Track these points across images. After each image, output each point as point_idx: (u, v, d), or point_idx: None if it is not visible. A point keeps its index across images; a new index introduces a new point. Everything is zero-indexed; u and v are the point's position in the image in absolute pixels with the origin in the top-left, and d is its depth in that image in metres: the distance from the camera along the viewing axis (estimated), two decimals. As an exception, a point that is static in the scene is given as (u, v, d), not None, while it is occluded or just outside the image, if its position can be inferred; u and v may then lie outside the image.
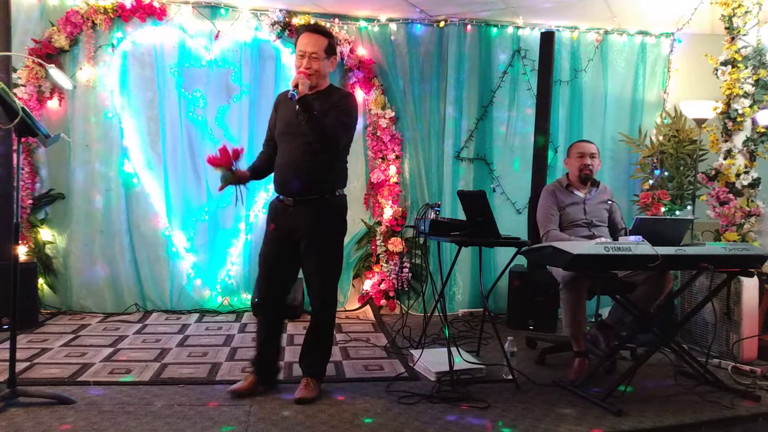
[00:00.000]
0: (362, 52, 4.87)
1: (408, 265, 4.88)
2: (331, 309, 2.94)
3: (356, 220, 5.01)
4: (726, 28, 4.04)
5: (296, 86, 2.55)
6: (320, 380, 2.93)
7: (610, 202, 3.60)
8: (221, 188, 2.81)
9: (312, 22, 4.74)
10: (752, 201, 3.94)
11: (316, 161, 2.72)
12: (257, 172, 2.94)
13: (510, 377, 3.13)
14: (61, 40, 4.43)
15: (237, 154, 2.73)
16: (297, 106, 2.59)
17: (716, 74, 4.09)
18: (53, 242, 4.58)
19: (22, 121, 2.59)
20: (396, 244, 4.85)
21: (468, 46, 4.98)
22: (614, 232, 3.62)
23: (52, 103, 4.54)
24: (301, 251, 2.82)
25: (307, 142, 2.69)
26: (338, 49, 4.70)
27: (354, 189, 5.01)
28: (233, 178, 2.76)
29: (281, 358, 3.16)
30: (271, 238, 2.88)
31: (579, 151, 3.57)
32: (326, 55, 2.73)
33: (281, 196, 2.83)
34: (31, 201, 4.44)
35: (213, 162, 2.71)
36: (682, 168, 4.73)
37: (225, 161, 2.71)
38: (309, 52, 2.68)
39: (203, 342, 3.84)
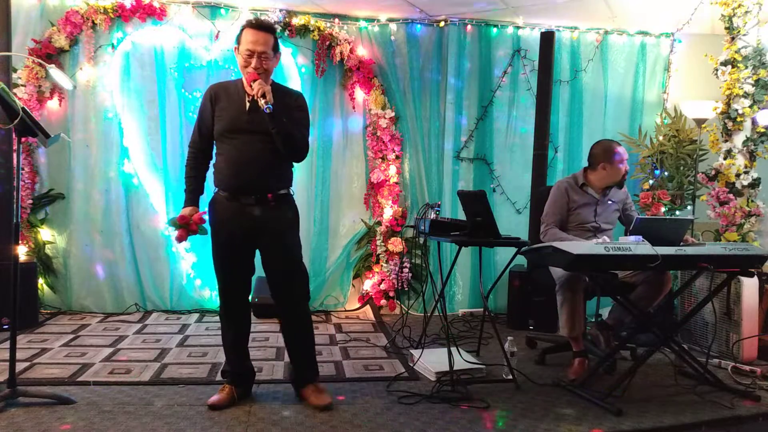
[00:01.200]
0: (362, 52, 4.87)
1: (408, 265, 4.89)
2: (307, 307, 2.84)
3: (356, 220, 5.02)
4: (726, 28, 4.04)
5: (263, 96, 2.48)
6: (318, 378, 2.87)
7: (610, 202, 3.56)
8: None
9: (312, 22, 4.75)
10: (752, 201, 3.95)
11: (276, 158, 2.64)
12: (201, 187, 2.81)
13: (510, 377, 3.13)
14: (61, 40, 4.43)
15: (200, 218, 2.67)
16: (248, 104, 2.56)
17: (716, 74, 4.09)
18: (53, 242, 4.58)
19: (22, 121, 2.59)
20: (396, 244, 4.85)
21: (468, 46, 4.98)
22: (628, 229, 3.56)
23: (52, 103, 4.54)
24: (266, 253, 2.72)
25: (266, 139, 2.58)
26: (338, 49, 4.75)
27: (354, 189, 5.02)
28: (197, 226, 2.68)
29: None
30: (226, 241, 2.70)
31: (621, 158, 3.41)
32: (273, 53, 2.62)
33: (233, 195, 2.66)
34: (31, 201, 4.44)
35: (184, 237, 2.65)
36: (682, 168, 4.73)
37: (193, 228, 2.64)
38: (259, 51, 2.55)
39: (203, 342, 3.84)
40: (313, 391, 2.75)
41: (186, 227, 2.64)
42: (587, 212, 3.45)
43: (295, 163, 2.80)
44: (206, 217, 2.71)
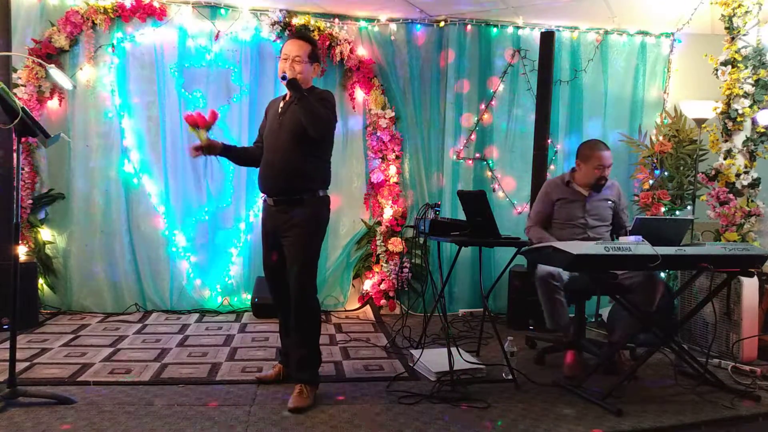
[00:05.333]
0: (362, 52, 4.87)
1: (408, 265, 4.88)
2: (309, 309, 2.83)
3: (356, 220, 5.02)
4: (726, 28, 4.04)
5: (284, 71, 2.71)
6: (314, 386, 2.83)
7: (611, 202, 3.57)
8: (195, 154, 2.88)
9: (312, 22, 4.75)
10: (752, 201, 3.94)
11: (293, 163, 2.78)
12: (236, 152, 3.05)
13: (510, 377, 3.13)
14: (61, 40, 4.43)
15: (214, 116, 2.85)
16: (280, 108, 2.71)
17: (716, 74, 4.09)
18: (53, 242, 4.58)
19: (22, 121, 2.59)
20: (396, 244, 4.85)
21: (468, 46, 4.98)
22: (615, 232, 3.61)
23: (52, 103, 4.53)
24: (285, 251, 2.86)
25: (291, 139, 2.76)
26: (338, 49, 4.75)
27: (354, 189, 5.02)
28: (207, 142, 2.85)
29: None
30: (263, 238, 3.01)
31: (599, 163, 3.40)
32: (309, 60, 2.81)
33: (265, 196, 2.93)
34: (31, 201, 4.44)
35: (190, 120, 2.82)
36: (682, 168, 4.73)
37: (202, 122, 2.82)
38: (292, 55, 2.77)
39: (203, 342, 3.84)
40: (296, 390, 2.76)
41: (199, 119, 2.82)
42: (575, 208, 3.52)
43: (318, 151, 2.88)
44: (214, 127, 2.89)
